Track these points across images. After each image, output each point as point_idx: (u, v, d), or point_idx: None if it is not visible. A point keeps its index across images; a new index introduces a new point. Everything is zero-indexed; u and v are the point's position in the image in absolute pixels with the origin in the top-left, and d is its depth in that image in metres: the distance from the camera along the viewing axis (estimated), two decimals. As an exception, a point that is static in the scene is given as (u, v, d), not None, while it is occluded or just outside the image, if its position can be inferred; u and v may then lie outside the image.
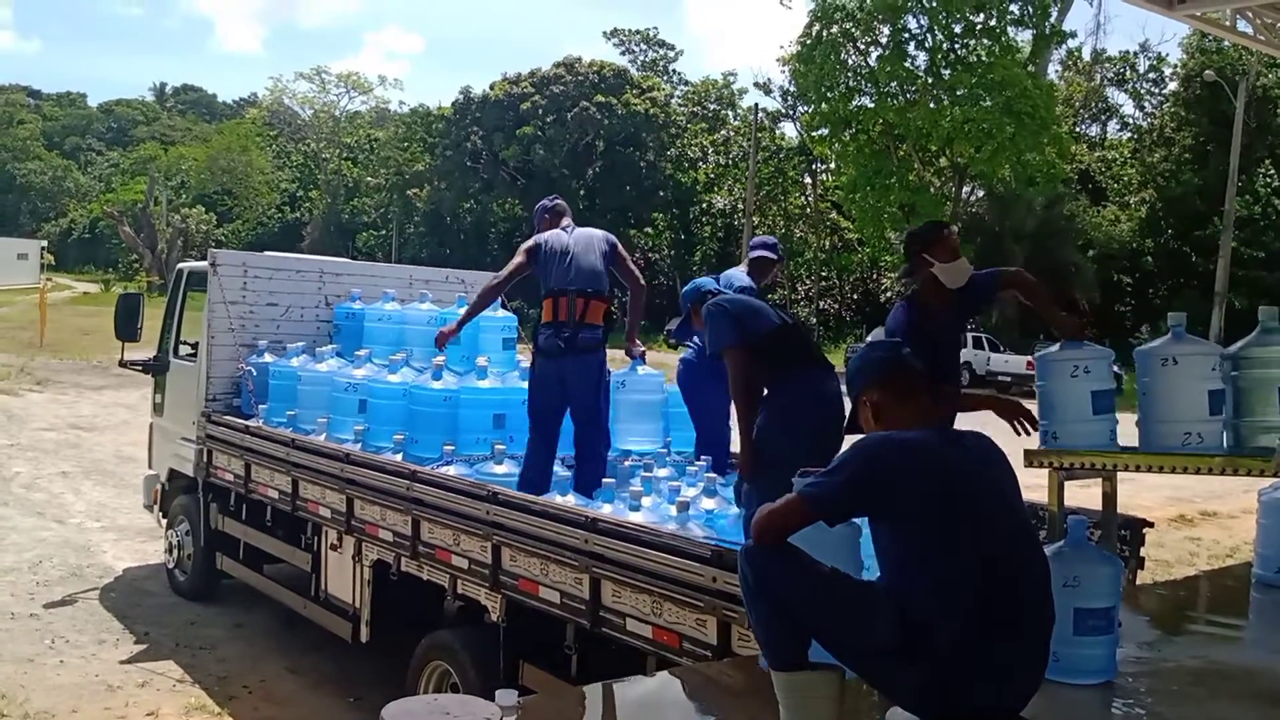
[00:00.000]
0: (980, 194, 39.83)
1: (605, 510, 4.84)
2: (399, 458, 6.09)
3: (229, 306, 7.66)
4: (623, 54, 59.99)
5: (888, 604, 2.70)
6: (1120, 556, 5.57)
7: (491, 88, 50.52)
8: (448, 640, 5.32)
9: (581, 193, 49.37)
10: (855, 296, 48.21)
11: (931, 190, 35.89)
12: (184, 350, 8.43)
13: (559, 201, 6.35)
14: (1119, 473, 4.45)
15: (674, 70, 60.94)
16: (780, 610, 2.75)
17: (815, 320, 43.65)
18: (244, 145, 69.92)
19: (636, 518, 4.68)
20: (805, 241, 47.29)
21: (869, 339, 31.85)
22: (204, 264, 7.96)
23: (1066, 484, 4.39)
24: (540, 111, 48.14)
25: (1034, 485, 3.95)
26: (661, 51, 60.98)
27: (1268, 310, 4.04)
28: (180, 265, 9.42)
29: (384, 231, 60.54)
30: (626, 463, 6.11)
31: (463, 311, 6.40)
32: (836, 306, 48.28)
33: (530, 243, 6.05)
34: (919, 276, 4.70)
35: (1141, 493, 11.31)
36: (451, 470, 5.68)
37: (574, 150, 47.75)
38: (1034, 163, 33.48)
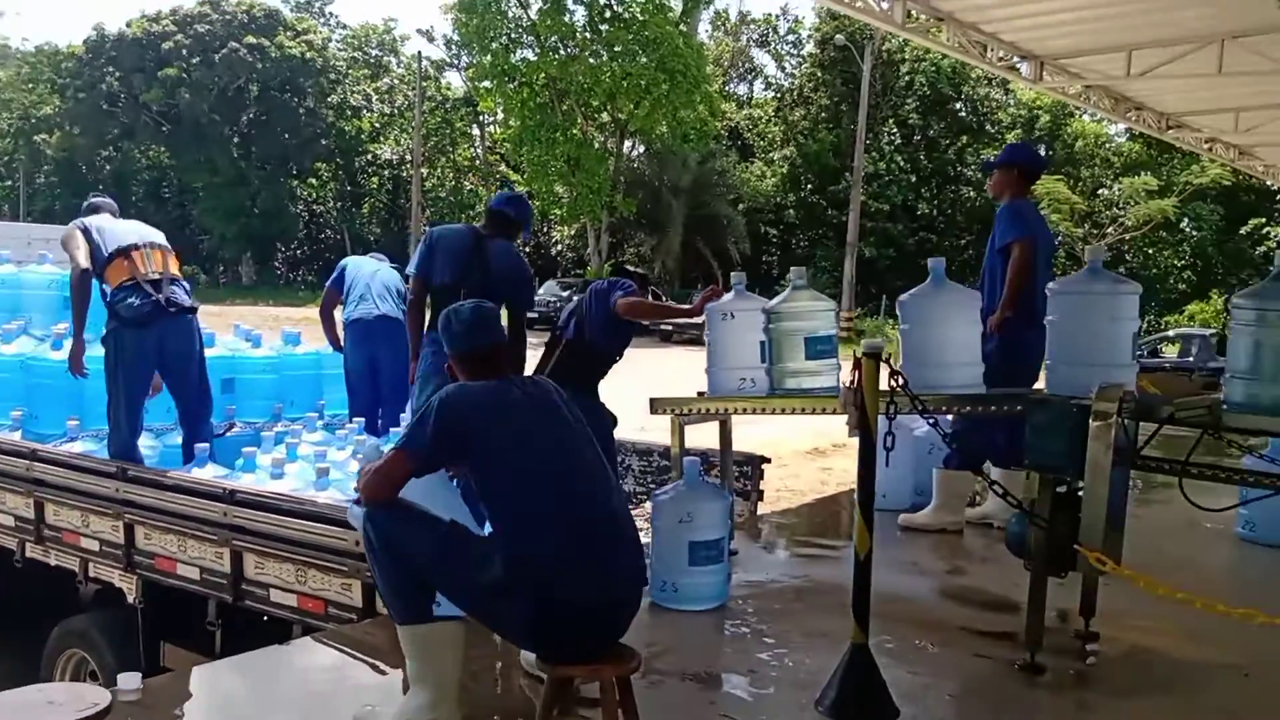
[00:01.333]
0: (641, 150, 41.24)
1: (245, 480, 4.75)
2: (18, 436, 5.66)
3: None
4: (274, -7, 56.84)
5: (492, 545, 2.89)
6: (744, 490, 6.15)
7: (129, 25, 46.43)
8: (82, 626, 5.06)
9: (236, 140, 46.62)
10: (527, 250, 48.73)
11: (595, 145, 36.76)
12: None
13: (94, 201, 5.76)
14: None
15: (330, 13, 58.56)
16: (400, 565, 2.88)
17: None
18: None
19: (278, 486, 4.64)
20: (476, 194, 47.17)
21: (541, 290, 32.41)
22: None
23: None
24: (185, 52, 44.78)
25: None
26: (316, -8, 58.33)
27: (797, 270, 4.59)
28: None
29: (9, 183, 54.51)
30: (276, 428, 6.00)
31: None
32: (507, 259, 48.64)
33: (73, 227, 5.45)
34: None
35: (790, 427, 12.29)
36: (78, 447, 5.36)
37: (224, 94, 44.86)
38: (688, 120, 35.05)
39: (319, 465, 4.80)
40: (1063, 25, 10.55)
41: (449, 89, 48.89)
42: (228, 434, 6.11)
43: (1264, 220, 35.63)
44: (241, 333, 6.94)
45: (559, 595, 2.78)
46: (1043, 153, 38.00)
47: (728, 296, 4.71)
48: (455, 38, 41.32)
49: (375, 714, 3.13)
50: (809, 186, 41.83)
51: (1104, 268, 3.93)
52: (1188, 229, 37.45)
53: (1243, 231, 35.93)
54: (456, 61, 45.33)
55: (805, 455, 12.56)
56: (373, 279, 6.72)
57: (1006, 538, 3.79)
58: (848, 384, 3.24)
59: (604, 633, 2.90)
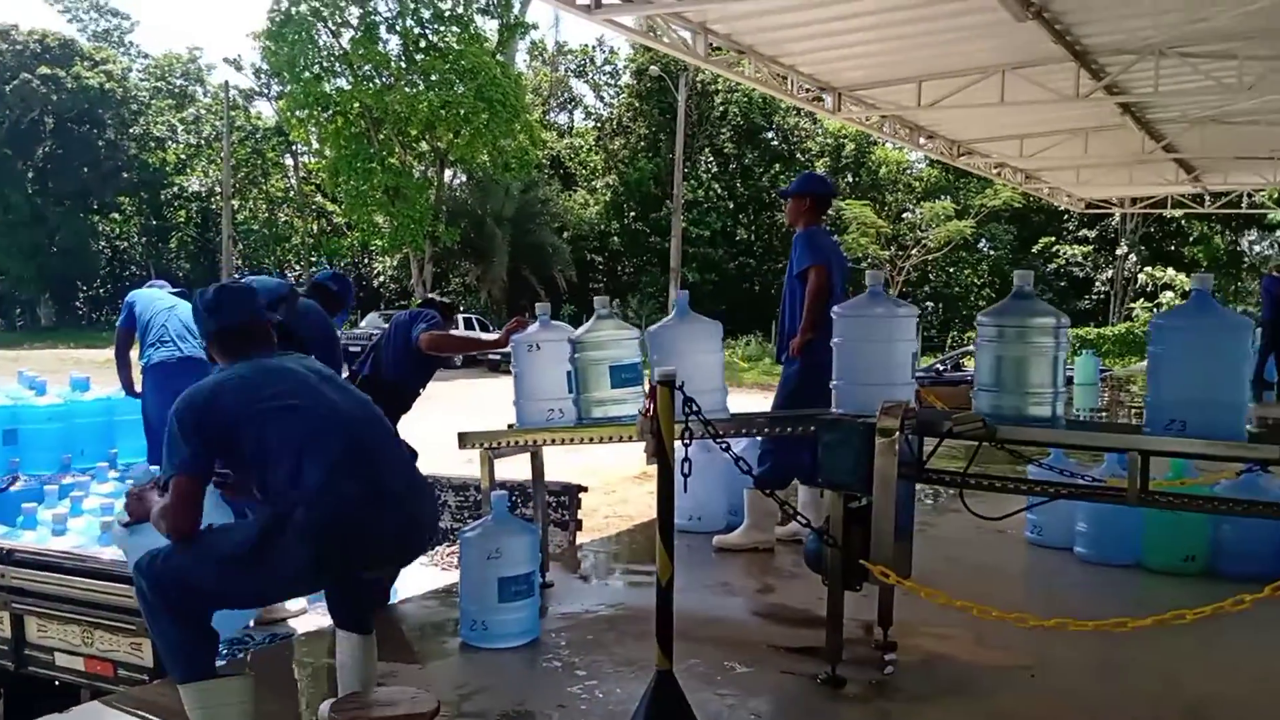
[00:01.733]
0: (463, 179, 40.97)
1: (26, 538, 4.47)
2: None
3: None
4: (70, 21, 54.20)
5: (258, 516, 2.93)
6: (562, 521, 6.15)
7: (-89, 55, 43.33)
8: None
9: (30, 175, 44.00)
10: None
11: (415, 174, 36.32)
12: None
13: None
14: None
15: (130, 42, 56.01)
16: (181, 616, 2.77)
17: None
18: None
19: (61, 543, 4.38)
20: (291, 226, 45.85)
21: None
22: None
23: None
24: (-28, 84, 42.15)
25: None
26: (115, 21, 55.73)
27: (601, 299, 4.69)
28: None
29: None
30: (63, 480, 5.67)
31: None
32: (328, 293, 47.44)
33: None
34: None
35: (619, 453, 12.37)
36: None
37: (16, 127, 42.37)
38: (509, 149, 35.06)
39: (103, 519, 4.56)
40: (857, 58, 11.05)
41: (259, 118, 47.46)
42: (9, 489, 5.73)
43: (1053, 239, 38.05)
44: (25, 379, 6.52)
45: (333, 552, 2.85)
46: (849, 179, 39.64)
47: (533, 327, 4.72)
48: (265, 67, 40.22)
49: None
50: (632, 214, 42.42)
51: (884, 289, 4.11)
52: (985, 249, 39.66)
53: (1034, 250, 38.24)
54: (266, 90, 44.11)
55: (634, 480, 12.66)
56: (169, 318, 6.39)
57: (805, 555, 3.91)
58: (643, 411, 3.28)
59: (395, 547, 3.04)
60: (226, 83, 43.69)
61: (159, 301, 6.51)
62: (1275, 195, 23.56)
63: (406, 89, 34.03)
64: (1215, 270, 35.98)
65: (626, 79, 45.08)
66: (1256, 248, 37.56)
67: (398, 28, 34.21)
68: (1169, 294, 34.10)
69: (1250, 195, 23.42)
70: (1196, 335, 3.57)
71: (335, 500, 2.82)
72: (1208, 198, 23.30)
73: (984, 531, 5.80)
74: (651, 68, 38.64)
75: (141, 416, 6.34)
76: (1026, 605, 4.37)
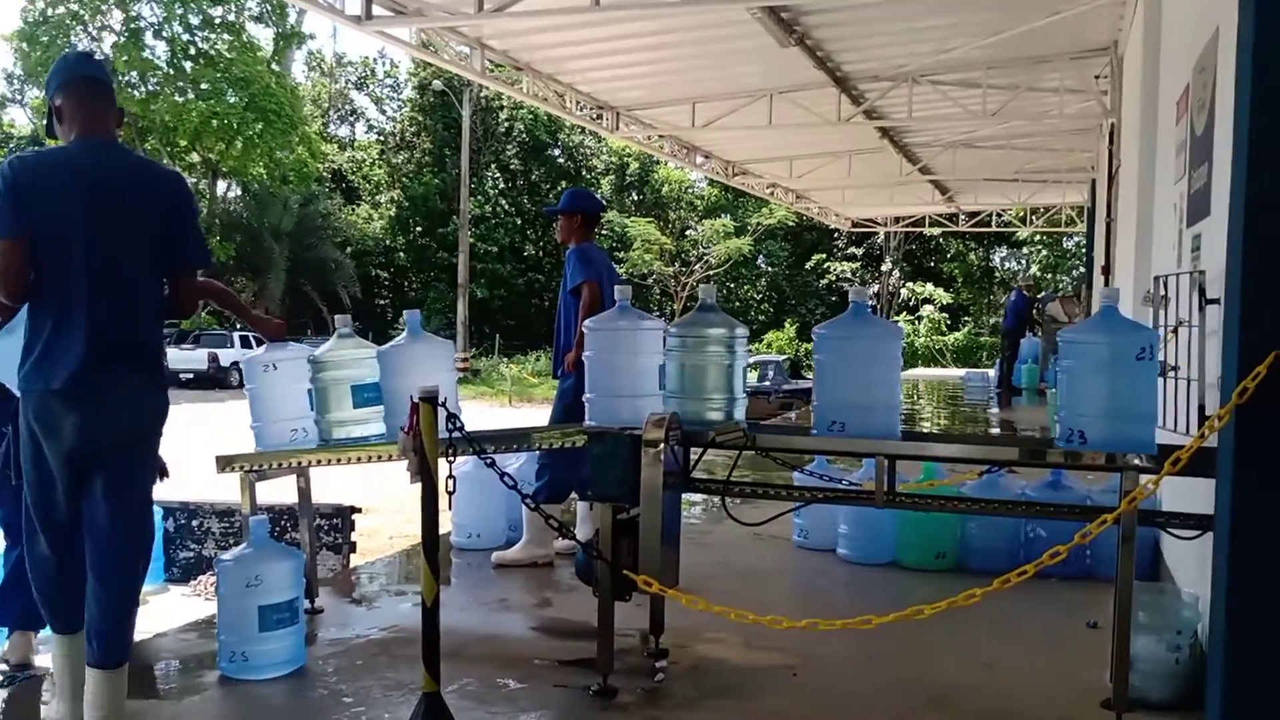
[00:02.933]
0: (237, 191, 39.33)
1: None
2: None
3: None
4: None
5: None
6: (335, 544, 6.01)
7: None
8: None
9: None
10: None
11: (185, 187, 34.60)
12: None
13: None
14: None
15: None
16: None
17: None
18: None
19: None
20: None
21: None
22: None
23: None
24: None
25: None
26: None
27: (342, 318, 4.64)
28: None
29: None
30: None
31: None
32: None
33: None
34: None
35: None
36: None
37: None
38: (286, 161, 33.92)
39: None
40: (634, 79, 11.31)
41: (13, 126, 44.14)
42: None
43: (825, 256, 39.89)
44: None
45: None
46: (634, 197, 40.35)
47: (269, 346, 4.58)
48: (18, 72, 37.49)
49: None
50: (418, 229, 41.80)
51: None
52: (763, 265, 41.17)
53: (808, 266, 40.00)
54: (20, 97, 41.08)
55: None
56: None
57: (576, 567, 3.96)
58: (405, 429, 3.26)
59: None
60: (-27, 87, 40.44)
61: None
62: (1020, 214, 25.47)
63: (176, 97, 32.43)
64: (969, 285, 38.64)
65: (409, 93, 44.44)
66: (1008, 264, 40.47)
67: (165, 33, 32.55)
68: (929, 307, 36.34)
69: (999, 214, 25.25)
70: (853, 343, 3.82)
71: None
72: (962, 217, 24.99)
73: (755, 538, 6.02)
74: (435, 82, 38.23)
75: None
76: (790, 606, 4.58)
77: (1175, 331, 3.84)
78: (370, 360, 4.42)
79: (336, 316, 4.74)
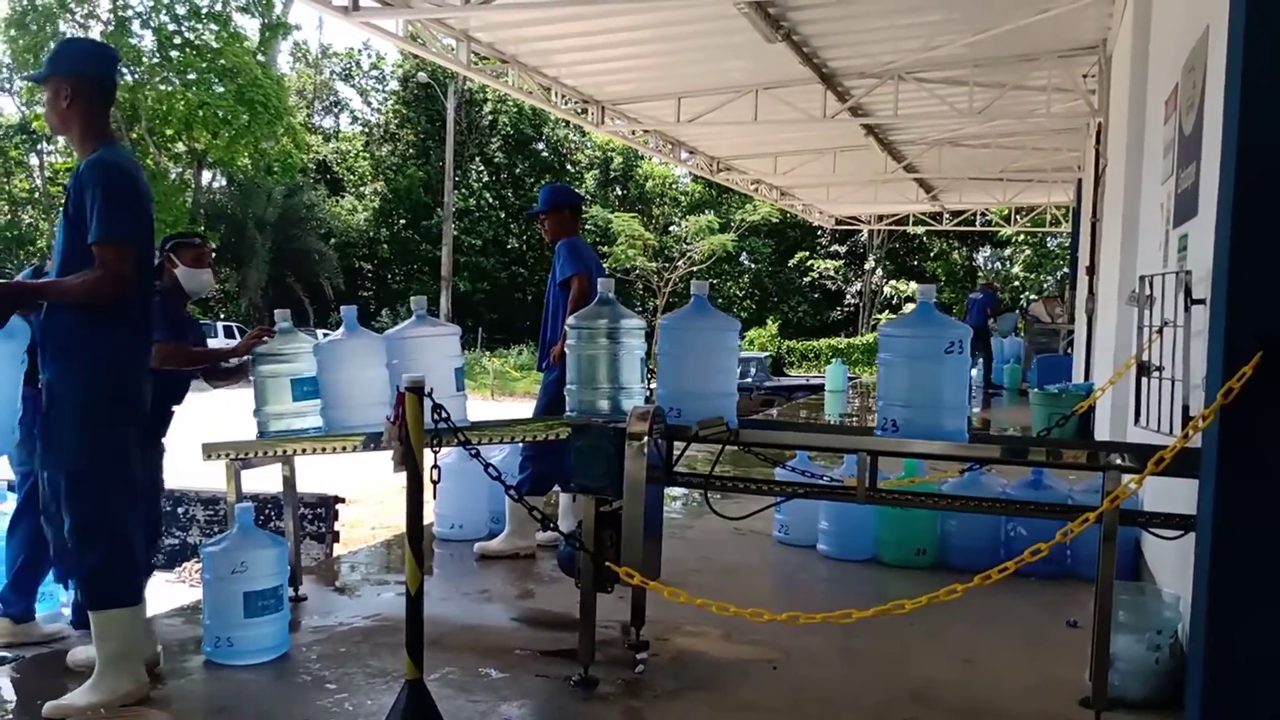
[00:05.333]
0: (222, 182, 39.11)
1: None
2: None
3: None
4: None
5: None
6: (319, 533, 5.99)
7: None
8: None
9: None
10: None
11: (170, 176, 34.39)
12: None
13: None
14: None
15: None
16: None
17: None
18: None
19: None
20: (36, 228, 42.47)
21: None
22: None
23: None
24: None
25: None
26: None
27: (281, 312, 4.68)
28: None
29: None
30: None
31: None
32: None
33: None
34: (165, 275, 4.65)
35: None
36: None
37: None
38: (271, 152, 33.73)
39: None
40: (619, 73, 11.29)
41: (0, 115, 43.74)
42: None
43: (808, 253, 39.96)
44: None
45: None
46: (618, 192, 40.34)
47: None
48: (6, 60, 37.14)
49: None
50: (402, 222, 41.67)
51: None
52: (746, 261, 41.20)
53: (791, 263, 40.05)
54: (8, 86, 40.69)
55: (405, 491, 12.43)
56: None
57: (558, 559, 3.96)
58: (391, 419, 3.24)
59: None
60: (-39, 76, 40.01)
61: None
62: (1005, 213, 25.58)
63: (162, 86, 32.21)
64: (952, 283, 38.77)
65: (394, 85, 44.27)
66: (992, 264, 40.61)
67: (152, 23, 32.29)
68: (910, 305, 36.44)
69: (984, 214, 25.34)
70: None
71: None
72: (946, 215, 25.07)
73: (737, 533, 6.04)
74: (419, 74, 38.10)
75: None
76: (771, 600, 4.59)
77: (1160, 332, 3.86)
78: (308, 354, 4.46)
79: (276, 311, 4.78)
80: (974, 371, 17.05)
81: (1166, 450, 3.02)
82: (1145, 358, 3.96)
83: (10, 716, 3.53)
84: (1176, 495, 3.71)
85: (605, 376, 4.00)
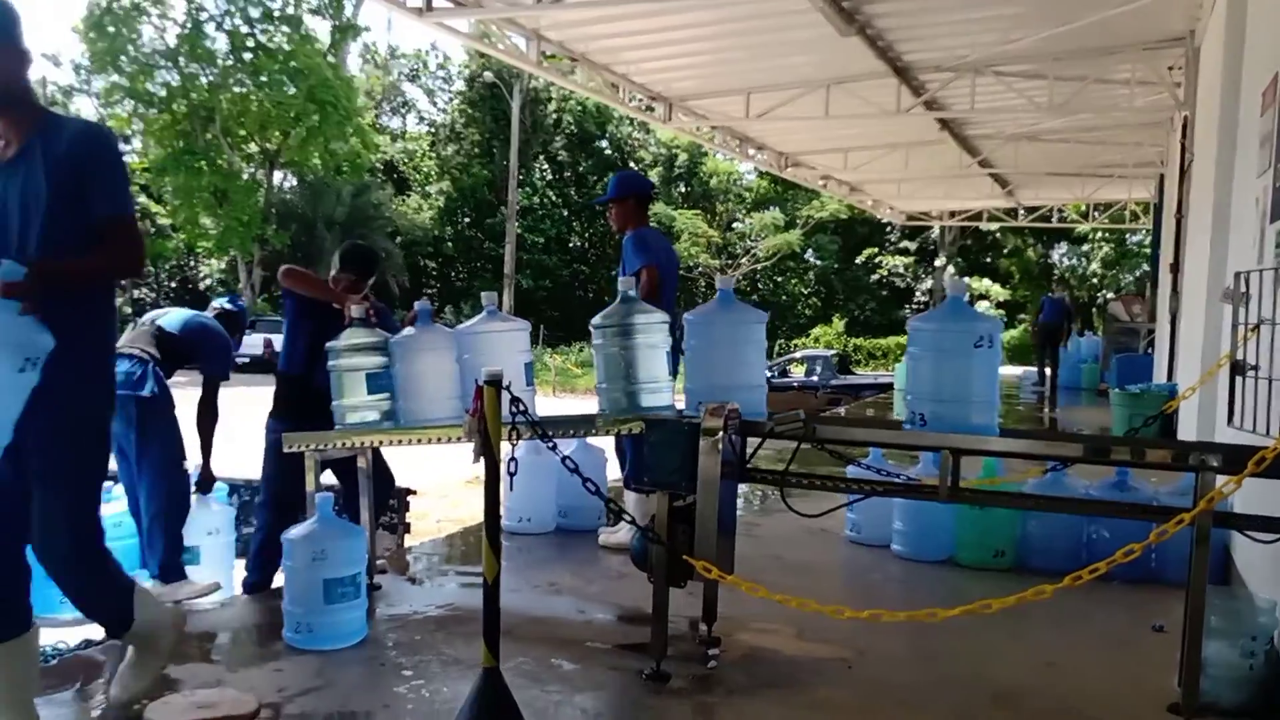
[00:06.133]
0: (292, 181, 39.78)
1: None
2: None
3: None
4: None
5: None
6: (391, 524, 6.04)
7: None
8: None
9: None
10: (173, 285, 45.39)
11: (243, 176, 35.06)
12: None
13: None
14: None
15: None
16: None
17: (131, 310, 40.41)
18: None
19: None
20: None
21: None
22: None
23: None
24: None
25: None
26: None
27: (359, 308, 4.65)
28: None
29: None
30: None
31: None
32: (154, 295, 45.09)
33: None
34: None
35: (454, 459, 12.21)
36: None
37: None
38: (341, 152, 34.24)
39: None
40: (687, 69, 11.25)
41: (79, 115, 44.90)
42: None
43: (876, 250, 39.55)
44: None
45: None
46: (681, 189, 40.24)
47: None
48: (85, 63, 38.13)
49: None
50: (466, 220, 42.04)
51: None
52: (811, 259, 40.90)
53: (858, 261, 39.67)
54: (87, 87, 41.77)
55: (467, 484, 12.53)
56: None
57: (631, 553, 3.93)
58: (470, 411, 3.24)
59: None
60: (44, 78, 41.18)
61: None
62: (1082, 209, 25.07)
63: (236, 88, 32.86)
64: (1026, 281, 38.11)
65: (460, 85, 44.65)
66: (1067, 261, 39.81)
67: (225, 26, 32.96)
68: (984, 304, 35.88)
69: (1060, 210, 24.86)
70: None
71: None
72: (1021, 212, 24.64)
73: (807, 531, 5.97)
74: (485, 74, 38.40)
75: None
76: (844, 599, 4.51)
77: (1256, 329, 3.73)
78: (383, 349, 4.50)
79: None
80: (1046, 370, 16.75)
81: (1268, 450, 2.92)
82: (1240, 356, 3.82)
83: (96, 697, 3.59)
84: (1272, 498, 3.58)
85: (626, 374, 3.99)
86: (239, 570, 5.44)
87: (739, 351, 4.00)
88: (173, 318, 5.65)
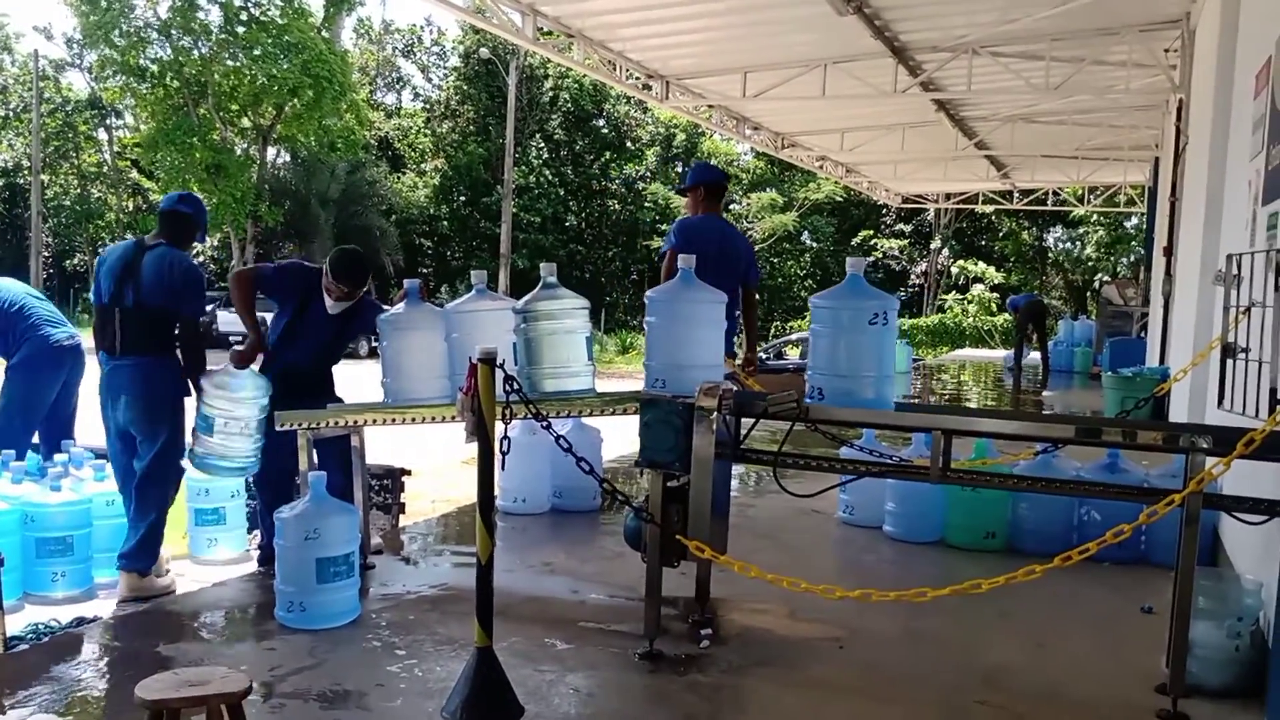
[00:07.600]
0: (286, 158, 39.56)
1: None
2: None
3: None
4: None
5: None
6: (385, 504, 6.05)
7: None
8: None
9: None
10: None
11: (237, 152, 34.87)
12: None
13: None
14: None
15: (-77, 4, 51.80)
16: None
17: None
18: None
19: None
20: (105, 202, 43.43)
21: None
22: None
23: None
24: None
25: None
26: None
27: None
28: None
29: None
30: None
31: None
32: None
33: None
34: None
35: (447, 438, 12.20)
36: None
37: None
38: (335, 128, 34.02)
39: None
40: (684, 46, 11.20)
41: (70, 89, 44.59)
42: None
43: (872, 232, 39.48)
44: None
45: None
46: (679, 169, 40.12)
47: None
48: (77, 36, 37.84)
49: None
50: (461, 198, 41.83)
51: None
52: (808, 241, 40.82)
53: (854, 242, 39.56)
54: (79, 61, 41.49)
55: (462, 464, 12.54)
56: (40, 303, 6.33)
57: (624, 532, 3.96)
58: (463, 390, 3.25)
59: None
60: (36, 52, 40.89)
61: (14, 286, 6.36)
62: (1078, 193, 25.03)
63: (229, 61, 32.63)
64: (1021, 264, 38.08)
65: (455, 61, 44.36)
66: (1062, 244, 39.72)
67: (219, -1, 32.68)
68: (979, 286, 35.84)
69: (1056, 193, 24.82)
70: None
71: None
72: (1016, 194, 24.59)
73: (800, 513, 6.00)
74: (481, 50, 38.18)
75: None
76: (837, 580, 4.53)
77: (1247, 312, 3.74)
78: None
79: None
80: (1035, 354, 16.68)
81: (1257, 432, 2.93)
82: (1231, 339, 3.84)
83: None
84: (1260, 480, 3.61)
85: (547, 358, 4.08)
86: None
87: (696, 331, 3.98)
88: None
